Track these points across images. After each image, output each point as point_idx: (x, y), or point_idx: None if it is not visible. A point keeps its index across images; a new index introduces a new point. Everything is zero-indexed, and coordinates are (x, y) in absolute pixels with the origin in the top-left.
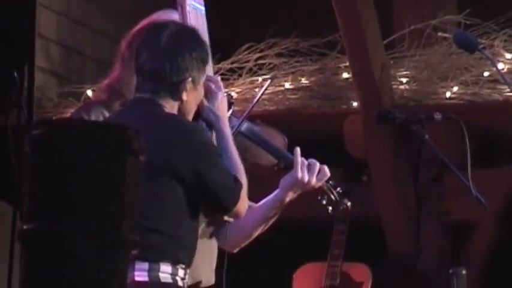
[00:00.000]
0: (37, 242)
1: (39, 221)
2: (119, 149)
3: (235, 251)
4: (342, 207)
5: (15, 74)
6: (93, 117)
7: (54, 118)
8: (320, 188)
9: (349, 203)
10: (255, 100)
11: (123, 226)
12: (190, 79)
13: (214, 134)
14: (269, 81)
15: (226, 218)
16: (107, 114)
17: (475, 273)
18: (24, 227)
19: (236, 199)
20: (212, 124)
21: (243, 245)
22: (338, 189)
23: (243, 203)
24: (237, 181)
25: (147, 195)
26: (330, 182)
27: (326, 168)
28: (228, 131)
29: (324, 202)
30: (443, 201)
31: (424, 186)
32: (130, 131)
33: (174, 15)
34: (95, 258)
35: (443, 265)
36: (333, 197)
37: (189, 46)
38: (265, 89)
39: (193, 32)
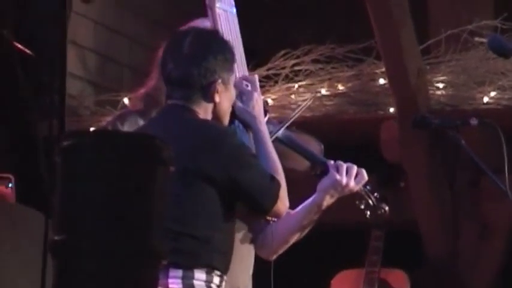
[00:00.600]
0: (66, 252)
1: (68, 232)
2: (147, 159)
3: (272, 258)
4: (379, 212)
5: (50, 83)
6: (127, 127)
7: (84, 129)
8: (358, 192)
9: (387, 208)
10: (294, 114)
11: (151, 236)
12: (220, 80)
13: (251, 135)
14: (309, 101)
15: (268, 218)
16: (142, 123)
17: None
18: (54, 237)
19: (274, 198)
20: (249, 124)
21: (280, 251)
22: (376, 194)
23: (283, 202)
24: (274, 180)
25: (179, 199)
26: (368, 186)
27: (364, 172)
28: (265, 130)
29: (362, 207)
30: (480, 206)
31: (461, 190)
32: (159, 141)
33: (209, 24)
34: (123, 269)
35: (482, 269)
36: (370, 201)
37: (212, 48)
38: (304, 107)
39: (214, 34)
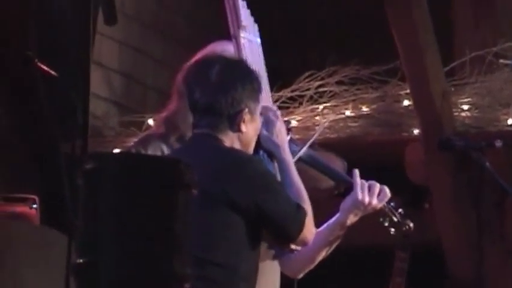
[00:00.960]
0: (88, 275)
1: (91, 255)
2: (170, 182)
3: (299, 276)
4: (404, 229)
5: (73, 104)
6: (150, 151)
7: (106, 151)
8: (381, 209)
9: (411, 224)
10: (317, 132)
11: (173, 260)
12: (246, 110)
13: (276, 164)
14: (325, 124)
15: (293, 246)
16: (164, 148)
17: None
18: (77, 261)
19: (300, 227)
20: (273, 154)
21: (306, 270)
22: (400, 210)
23: (309, 230)
24: (300, 208)
25: (203, 225)
26: (391, 203)
27: (387, 189)
28: (289, 159)
29: (386, 224)
30: (505, 227)
31: (486, 212)
32: (182, 164)
33: (229, 47)
34: None
35: None
36: (394, 218)
37: (240, 77)
38: (325, 124)
39: (242, 63)
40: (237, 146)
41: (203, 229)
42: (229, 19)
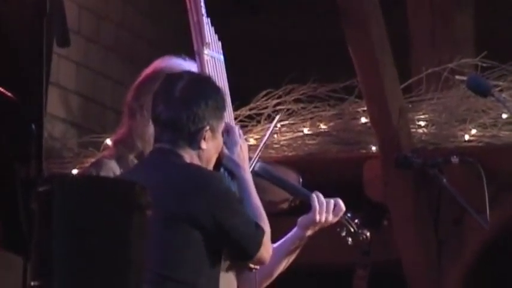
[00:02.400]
0: None
1: (44, 278)
2: (125, 204)
3: None
4: (361, 238)
5: (28, 125)
6: (103, 173)
7: (60, 174)
8: (339, 221)
9: (368, 233)
10: (265, 138)
11: (130, 280)
12: (208, 127)
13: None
14: (277, 116)
15: (251, 265)
16: (117, 170)
17: None
18: (32, 283)
19: (258, 246)
20: (234, 172)
21: (265, 285)
22: (356, 220)
23: (266, 250)
24: (258, 228)
25: (164, 242)
26: (348, 214)
27: (341, 203)
28: (249, 178)
29: (343, 234)
30: (464, 244)
31: (445, 229)
32: (137, 187)
33: (177, 62)
34: None
35: None
36: (351, 228)
37: (204, 95)
38: (274, 126)
39: (207, 81)
40: (196, 162)
41: (164, 247)
42: (193, 36)
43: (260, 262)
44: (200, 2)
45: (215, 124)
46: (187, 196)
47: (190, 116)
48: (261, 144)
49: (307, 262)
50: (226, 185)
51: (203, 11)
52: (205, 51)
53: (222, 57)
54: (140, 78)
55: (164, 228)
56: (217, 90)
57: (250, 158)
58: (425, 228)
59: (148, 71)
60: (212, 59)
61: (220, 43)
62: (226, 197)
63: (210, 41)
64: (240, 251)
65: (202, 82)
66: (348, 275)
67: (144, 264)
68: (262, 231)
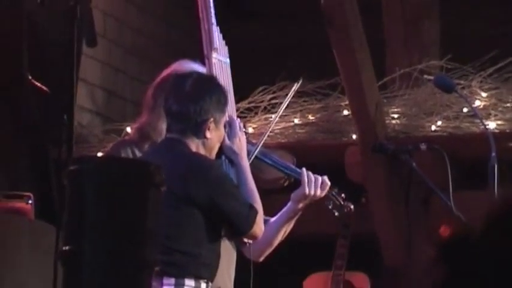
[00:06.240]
0: (72, 261)
1: (73, 244)
2: (141, 182)
3: (260, 259)
4: (346, 210)
5: (61, 115)
6: (123, 154)
7: (88, 155)
8: (326, 195)
9: (352, 206)
10: (265, 133)
11: (145, 248)
12: (212, 119)
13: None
14: (275, 120)
15: (245, 240)
16: (137, 152)
17: None
18: (63, 248)
19: (251, 224)
20: (232, 160)
21: (266, 253)
22: (342, 195)
23: (259, 227)
24: (252, 208)
25: (170, 220)
26: (335, 190)
27: (326, 179)
28: (245, 165)
29: (330, 207)
30: (430, 220)
31: (414, 206)
32: (153, 166)
33: (192, 65)
34: (121, 275)
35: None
36: (337, 202)
37: (209, 91)
38: (273, 123)
39: (212, 79)
40: (201, 150)
41: (171, 223)
42: (204, 42)
43: (253, 237)
44: (211, 12)
45: (218, 117)
46: (190, 181)
47: (197, 108)
48: (262, 139)
49: (298, 233)
50: (223, 171)
51: (213, 20)
52: (214, 55)
53: (228, 60)
54: (159, 79)
55: (170, 208)
56: (220, 87)
57: (253, 144)
58: (397, 205)
59: (166, 72)
60: (219, 62)
61: (227, 48)
62: (223, 182)
63: (218, 46)
64: (235, 228)
65: (207, 80)
66: (331, 244)
67: (157, 232)
68: (255, 211)
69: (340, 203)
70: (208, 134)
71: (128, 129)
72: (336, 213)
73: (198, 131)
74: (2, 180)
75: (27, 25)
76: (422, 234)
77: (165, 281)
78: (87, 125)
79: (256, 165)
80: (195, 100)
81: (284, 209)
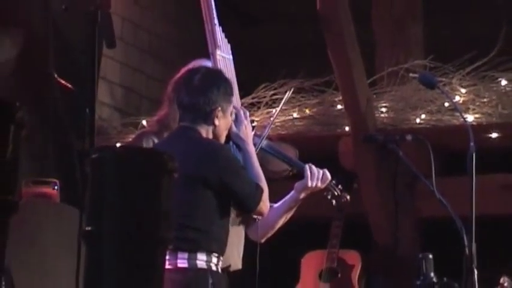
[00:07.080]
0: (93, 240)
1: (95, 224)
2: (156, 169)
3: (263, 241)
4: (343, 200)
5: (84, 110)
6: (144, 144)
7: (108, 145)
8: (326, 187)
9: (348, 196)
10: (268, 127)
11: (159, 227)
12: (219, 108)
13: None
14: (274, 115)
15: (254, 216)
16: (156, 141)
17: None
18: (85, 228)
19: (257, 201)
20: (239, 145)
21: (269, 235)
22: (339, 186)
23: (265, 204)
24: (258, 187)
25: (184, 199)
26: (333, 181)
27: (327, 173)
28: (251, 150)
29: (329, 197)
30: (415, 203)
31: (401, 191)
32: (166, 155)
33: (206, 63)
34: (138, 252)
35: (416, 251)
36: (335, 192)
37: (216, 83)
38: (274, 116)
39: (218, 73)
40: (211, 136)
41: (185, 202)
42: (208, 40)
43: (260, 213)
44: (213, 14)
45: (225, 106)
46: (202, 163)
47: (206, 100)
48: (266, 132)
49: (296, 216)
50: (232, 154)
51: (215, 21)
52: (218, 52)
53: (231, 57)
54: (178, 75)
55: (184, 187)
56: (226, 79)
57: (259, 136)
58: (386, 190)
59: (184, 69)
60: (223, 58)
61: (229, 45)
62: (232, 164)
63: (221, 44)
64: (244, 205)
65: (214, 74)
66: (326, 225)
67: (171, 214)
68: (261, 190)
69: (338, 194)
70: (216, 122)
71: (144, 122)
72: (334, 203)
73: (208, 119)
74: (31, 169)
75: (53, 29)
76: (408, 215)
77: (180, 255)
78: (107, 118)
79: (263, 157)
80: (203, 92)
81: (286, 198)
